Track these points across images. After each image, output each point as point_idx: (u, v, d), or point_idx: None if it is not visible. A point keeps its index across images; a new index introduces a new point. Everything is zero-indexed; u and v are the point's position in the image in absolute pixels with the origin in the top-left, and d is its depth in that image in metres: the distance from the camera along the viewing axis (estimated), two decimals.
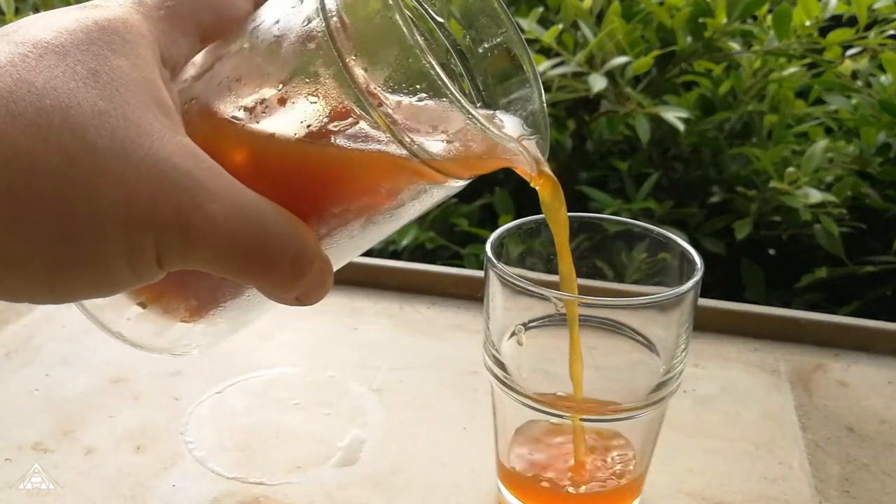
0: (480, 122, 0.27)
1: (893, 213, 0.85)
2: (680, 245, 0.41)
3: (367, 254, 0.87)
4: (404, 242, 0.87)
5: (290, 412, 0.51)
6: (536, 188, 0.35)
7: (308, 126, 0.27)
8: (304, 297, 0.28)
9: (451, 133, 0.27)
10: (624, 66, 0.86)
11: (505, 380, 0.41)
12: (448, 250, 0.90)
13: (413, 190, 0.29)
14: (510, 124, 0.33)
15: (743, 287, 0.86)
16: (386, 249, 0.90)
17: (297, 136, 0.27)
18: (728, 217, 0.87)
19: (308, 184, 0.28)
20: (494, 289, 0.40)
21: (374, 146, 0.27)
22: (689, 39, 0.88)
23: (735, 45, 0.88)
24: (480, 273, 0.60)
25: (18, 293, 0.24)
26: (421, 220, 0.90)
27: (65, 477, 0.45)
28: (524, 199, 0.92)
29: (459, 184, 0.30)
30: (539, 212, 0.37)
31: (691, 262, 0.40)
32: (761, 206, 0.85)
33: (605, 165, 0.97)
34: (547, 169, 0.33)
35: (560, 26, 0.87)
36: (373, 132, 0.27)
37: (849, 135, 0.91)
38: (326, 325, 0.61)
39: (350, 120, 0.27)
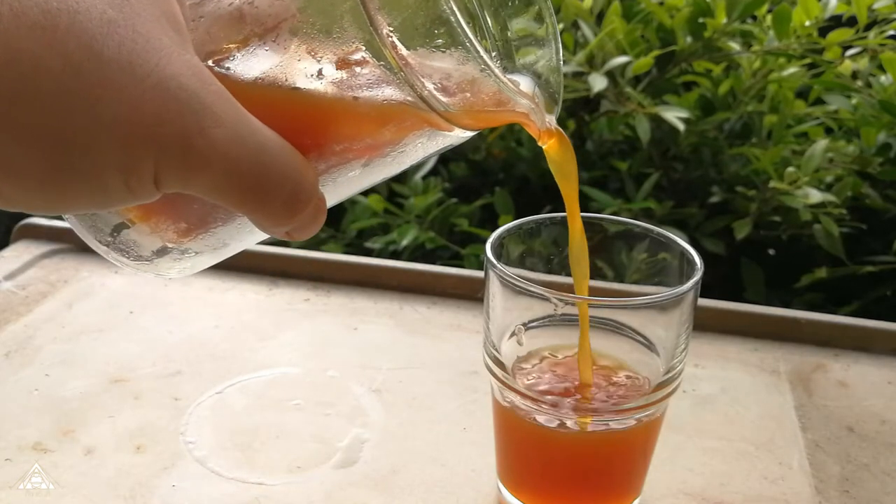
0: (495, 75, 0.26)
1: (893, 213, 0.86)
2: (680, 245, 0.42)
3: (367, 254, 0.88)
4: (404, 242, 0.87)
5: (290, 412, 0.51)
6: (544, 147, 0.34)
7: (317, 61, 0.26)
8: (295, 233, 0.28)
9: (464, 83, 0.27)
10: (624, 66, 0.86)
11: (505, 380, 0.41)
12: (448, 250, 0.90)
13: (417, 135, 0.29)
14: (523, 81, 0.33)
15: (743, 287, 0.86)
16: (386, 249, 0.90)
17: (304, 69, 0.27)
18: (728, 217, 0.87)
19: (311, 119, 0.28)
20: (494, 289, 0.40)
21: (384, 87, 0.26)
22: (688, 39, 0.88)
23: (735, 45, 0.88)
24: (480, 273, 0.60)
25: (13, 199, 0.24)
26: (421, 220, 0.90)
27: (65, 477, 0.45)
28: (524, 199, 0.92)
29: (466, 134, 0.30)
30: (538, 212, 0.37)
31: (691, 262, 0.40)
32: (761, 206, 0.85)
33: (605, 165, 0.96)
34: (555, 126, 0.33)
35: (560, 26, 0.87)
36: (384, 74, 0.26)
37: (849, 135, 0.91)
38: (326, 325, 0.61)
39: (361, 59, 0.26)
